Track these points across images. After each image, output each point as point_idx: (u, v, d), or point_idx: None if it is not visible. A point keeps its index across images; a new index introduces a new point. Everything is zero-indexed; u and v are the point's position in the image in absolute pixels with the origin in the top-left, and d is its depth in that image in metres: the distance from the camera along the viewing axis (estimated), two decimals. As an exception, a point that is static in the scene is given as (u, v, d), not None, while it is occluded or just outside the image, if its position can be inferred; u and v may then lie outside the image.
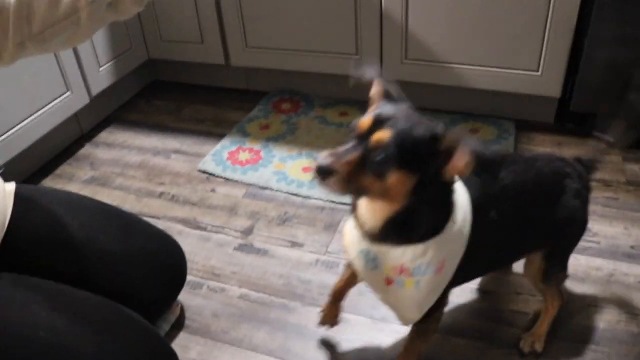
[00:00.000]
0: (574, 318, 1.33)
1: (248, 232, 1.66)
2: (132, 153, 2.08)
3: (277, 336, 1.34)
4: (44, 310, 0.99)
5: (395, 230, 0.95)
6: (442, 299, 1.06)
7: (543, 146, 1.94)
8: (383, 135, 0.84)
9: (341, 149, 0.86)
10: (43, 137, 1.92)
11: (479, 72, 1.93)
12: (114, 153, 2.09)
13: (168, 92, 2.48)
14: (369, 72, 0.98)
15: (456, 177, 0.92)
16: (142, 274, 1.23)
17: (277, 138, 2.06)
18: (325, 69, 2.14)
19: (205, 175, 1.92)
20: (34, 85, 1.84)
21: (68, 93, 1.99)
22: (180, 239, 1.36)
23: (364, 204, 0.97)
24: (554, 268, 1.21)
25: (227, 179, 1.89)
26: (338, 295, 1.27)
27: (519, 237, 1.12)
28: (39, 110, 1.88)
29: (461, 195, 1.00)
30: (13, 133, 1.79)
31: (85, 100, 2.08)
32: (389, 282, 1.02)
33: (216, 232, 1.67)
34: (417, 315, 1.06)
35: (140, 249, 1.25)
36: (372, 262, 1.03)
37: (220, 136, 2.11)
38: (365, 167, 0.85)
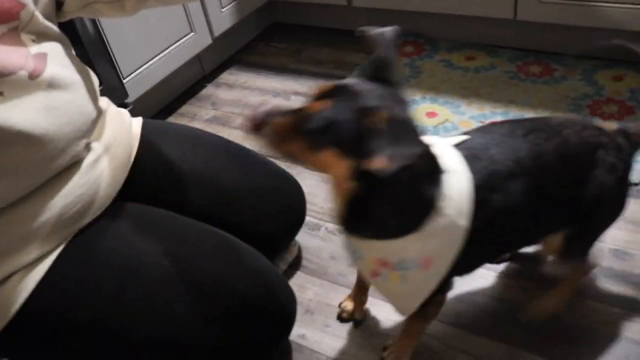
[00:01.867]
0: None
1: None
2: (253, 94, 2.08)
3: (395, 283, 1.29)
4: (166, 240, 0.99)
5: (358, 223, 0.86)
6: (443, 286, 0.95)
7: (699, 96, 1.72)
8: (321, 105, 0.75)
9: (286, 106, 0.78)
10: (168, 76, 1.96)
11: (628, 10, 1.73)
12: (234, 93, 2.10)
13: (288, 34, 2.45)
14: (379, 32, 0.86)
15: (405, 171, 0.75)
16: (263, 211, 1.21)
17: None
18: (451, 10, 2.00)
19: (325, 118, 1.88)
20: (159, 26, 1.86)
21: (192, 34, 2.00)
22: (300, 179, 1.33)
23: (330, 186, 0.87)
24: (574, 252, 1.07)
25: (347, 122, 1.83)
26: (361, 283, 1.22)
27: (536, 219, 0.97)
28: (164, 50, 1.91)
29: (457, 180, 0.86)
30: (140, 72, 1.83)
31: (207, 41, 2.09)
32: (374, 274, 0.94)
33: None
34: (413, 306, 0.97)
35: (261, 186, 1.23)
36: (356, 253, 0.95)
37: (340, 78, 2.02)
38: (300, 134, 0.76)
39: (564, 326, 1.16)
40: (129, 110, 1.71)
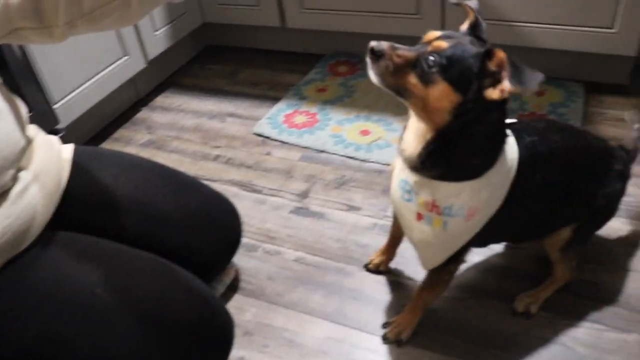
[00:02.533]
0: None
1: (304, 195, 1.63)
2: (188, 117, 2.08)
3: (332, 300, 1.31)
4: (99, 268, 0.98)
5: (433, 160, 0.94)
6: (461, 253, 1.06)
7: (614, 109, 1.82)
8: (441, 44, 0.86)
9: (402, 46, 0.89)
10: (101, 101, 1.93)
11: (547, 31, 1.82)
12: (170, 117, 2.09)
13: (223, 56, 2.46)
14: (471, 2, 0.95)
15: (502, 110, 0.91)
16: (197, 235, 1.21)
17: (334, 101, 2.01)
18: (384, 30, 2.07)
19: (260, 139, 1.90)
20: (92, 50, 1.84)
21: (125, 57, 1.98)
22: (236, 202, 1.34)
23: (409, 129, 0.97)
24: (577, 241, 1.17)
25: (282, 142, 1.86)
26: (392, 239, 1.31)
27: (560, 204, 1.09)
28: (97, 74, 1.88)
29: (510, 150, 0.98)
30: (72, 97, 1.80)
31: (141, 64, 2.08)
32: (419, 217, 1.02)
33: (272, 195, 1.65)
34: (438, 259, 1.06)
35: (196, 210, 1.23)
36: (408, 194, 1.02)
37: (276, 99, 2.08)
38: (416, 69, 0.87)
39: (493, 332, 1.20)
40: (61, 137, 1.69)
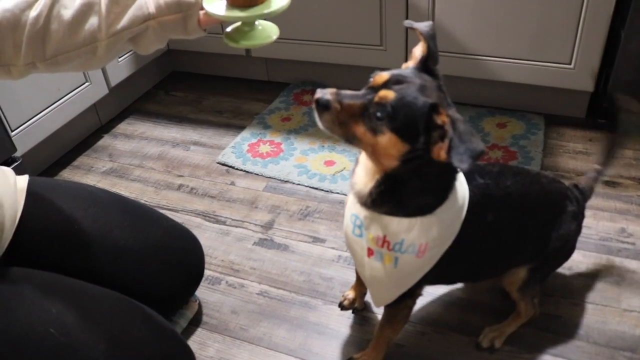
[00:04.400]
0: (608, 323, 1.26)
1: (268, 226, 1.61)
2: (151, 144, 2.05)
3: (297, 335, 1.29)
4: (55, 306, 0.95)
5: (383, 198, 0.94)
6: (417, 288, 1.06)
7: (574, 142, 1.86)
8: (388, 94, 0.85)
9: (348, 92, 0.88)
10: (61, 128, 1.89)
11: (508, 65, 1.86)
12: (132, 144, 2.06)
13: (187, 83, 2.44)
14: (423, 26, 0.94)
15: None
16: (158, 268, 1.19)
17: (299, 130, 2.01)
18: (348, 61, 2.08)
19: (224, 168, 1.88)
20: (52, 76, 1.80)
21: (87, 84, 1.96)
22: (198, 233, 1.32)
23: (360, 164, 0.98)
24: (534, 281, 1.18)
25: (247, 172, 1.84)
26: (358, 274, 1.29)
27: (512, 246, 1.11)
28: (57, 101, 1.85)
29: (461, 189, 0.99)
30: (31, 124, 1.76)
31: (104, 91, 2.05)
32: (370, 252, 1.01)
33: (236, 226, 1.63)
34: (389, 296, 1.06)
35: (156, 243, 1.20)
36: (358, 229, 1.01)
37: (240, 128, 2.07)
38: (363, 118, 0.86)
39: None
40: (18, 165, 1.65)
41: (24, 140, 1.73)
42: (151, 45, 0.94)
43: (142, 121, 2.20)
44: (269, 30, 0.95)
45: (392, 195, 0.93)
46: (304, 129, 2.01)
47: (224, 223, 1.64)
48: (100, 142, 2.09)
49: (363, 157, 0.96)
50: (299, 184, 1.76)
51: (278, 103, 2.20)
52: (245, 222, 1.63)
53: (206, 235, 1.58)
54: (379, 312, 1.32)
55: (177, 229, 1.28)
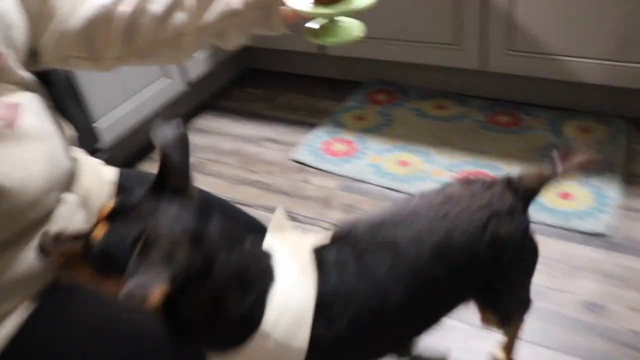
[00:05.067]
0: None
1: (342, 225, 1.61)
2: (226, 140, 2.09)
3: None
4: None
5: (180, 335, 0.78)
6: None
7: (660, 148, 1.78)
8: (99, 232, 0.71)
9: (77, 230, 0.75)
10: (140, 122, 1.95)
11: (592, 65, 1.79)
12: (208, 139, 2.10)
13: (262, 80, 2.48)
14: (164, 135, 0.76)
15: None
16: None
17: (373, 130, 2.01)
18: (423, 60, 2.06)
19: (298, 165, 1.89)
20: (134, 72, 1.87)
21: (166, 80, 2.01)
22: (274, 229, 1.33)
23: None
24: (509, 307, 1.02)
25: (320, 170, 1.85)
26: None
27: (431, 310, 0.90)
28: (137, 95, 1.91)
29: (296, 293, 0.77)
30: (113, 118, 1.83)
31: (182, 86, 2.10)
32: None
33: (309, 223, 1.64)
34: None
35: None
36: None
37: (313, 126, 2.08)
38: (88, 259, 0.72)
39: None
40: (100, 156, 1.71)
41: (106, 133, 1.80)
42: (235, 41, 0.95)
43: (218, 117, 2.25)
44: (353, 27, 0.93)
45: (185, 332, 0.77)
46: (378, 128, 2.01)
47: (298, 220, 1.65)
48: (178, 137, 2.14)
49: None
50: (373, 184, 1.76)
51: (352, 101, 2.19)
52: (320, 221, 1.64)
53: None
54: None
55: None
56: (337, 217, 1.64)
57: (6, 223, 0.86)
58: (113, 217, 0.72)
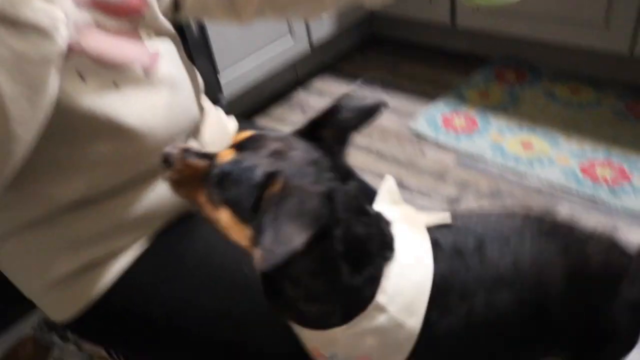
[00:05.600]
0: None
1: (455, 201, 1.55)
2: (343, 104, 2.06)
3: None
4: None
5: (278, 304, 0.74)
6: None
7: None
8: (226, 155, 0.67)
9: (201, 150, 0.71)
10: (262, 78, 1.96)
11: None
12: (325, 101, 2.06)
13: (386, 47, 2.42)
14: (356, 95, 0.74)
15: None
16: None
17: (497, 108, 1.91)
18: (561, 39, 1.92)
19: (415, 136, 1.84)
20: (260, 28, 1.87)
21: (290, 39, 2.00)
22: (385, 197, 1.29)
23: None
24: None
25: (438, 143, 1.78)
26: None
27: (522, 343, 0.80)
28: (262, 54, 1.92)
29: (415, 271, 0.71)
30: (236, 72, 1.84)
31: (306, 48, 2.09)
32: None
33: (421, 196, 1.59)
34: None
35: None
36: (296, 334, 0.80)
37: (434, 98, 2.00)
38: (205, 184, 0.68)
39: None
40: (222, 107, 1.74)
41: (227, 85, 1.82)
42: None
43: (336, 80, 2.22)
44: None
45: (282, 300, 0.73)
46: (503, 107, 1.90)
47: (410, 191, 1.61)
48: (295, 96, 2.14)
49: None
50: (492, 164, 1.67)
51: (477, 77, 2.09)
52: (432, 194, 1.59)
53: (390, 201, 1.56)
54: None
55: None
56: (450, 192, 1.58)
57: (133, 163, 0.88)
58: (245, 147, 0.68)
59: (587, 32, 1.84)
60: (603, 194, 1.50)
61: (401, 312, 0.70)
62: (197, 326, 0.91)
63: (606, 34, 1.80)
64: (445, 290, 0.71)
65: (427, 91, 2.06)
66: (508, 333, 0.77)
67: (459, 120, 1.86)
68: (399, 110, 1.98)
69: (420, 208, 1.51)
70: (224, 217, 0.66)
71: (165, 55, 0.91)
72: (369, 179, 1.62)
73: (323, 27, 2.12)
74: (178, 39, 1.00)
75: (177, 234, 0.97)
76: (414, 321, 0.70)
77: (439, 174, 1.65)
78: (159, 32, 0.92)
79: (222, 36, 1.75)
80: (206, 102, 1.09)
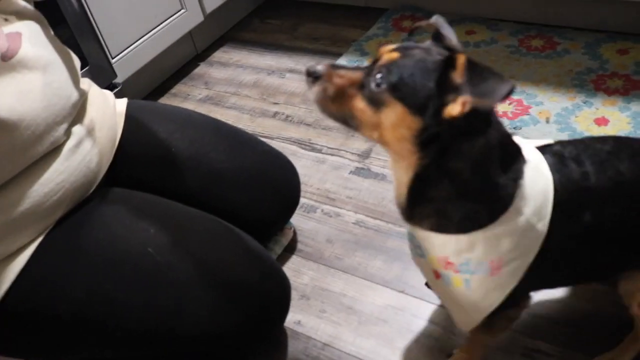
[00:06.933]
0: None
1: (365, 155, 1.56)
2: (246, 72, 2.02)
3: (393, 266, 1.25)
4: (153, 226, 0.95)
5: (420, 209, 0.78)
6: (512, 300, 0.82)
7: None
8: (392, 55, 0.70)
9: (345, 65, 0.72)
10: (159, 55, 1.89)
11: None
12: (228, 72, 2.04)
13: (283, 10, 2.38)
14: (432, 18, 0.78)
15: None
16: (254, 192, 1.17)
17: (398, 57, 1.91)
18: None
19: (320, 96, 1.82)
20: (149, 3, 1.79)
21: (183, 11, 1.93)
22: (294, 160, 1.28)
23: (390, 167, 0.81)
24: None
25: (343, 100, 1.78)
26: None
27: (626, 247, 0.85)
28: (154, 28, 1.84)
29: (538, 177, 0.77)
30: (130, 51, 1.76)
31: (199, 18, 2.02)
32: (437, 275, 0.85)
33: (332, 154, 1.58)
34: (472, 321, 0.86)
35: (253, 167, 1.18)
36: (418, 249, 0.86)
37: (337, 55, 1.99)
38: (363, 90, 0.71)
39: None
40: (118, 91, 1.67)
41: (124, 67, 1.74)
42: None
43: (237, 49, 2.17)
44: None
45: (430, 205, 0.76)
46: (403, 56, 1.91)
47: (319, 151, 1.60)
48: (197, 70, 2.08)
49: (391, 164, 0.80)
50: (397, 113, 1.68)
51: (376, 29, 2.09)
52: (342, 151, 1.59)
53: (301, 163, 1.55)
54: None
55: (273, 154, 1.25)
56: (360, 147, 1.58)
57: (13, 157, 0.83)
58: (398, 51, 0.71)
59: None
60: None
61: (533, 215, 0.76)
62: (106, 317, 0.89)
63: None
64: (564, 197, 0.77)
65: (329, 49, 2.05)
66: (617, 241, 0.83)
67: (361, 75, 1.86)
68: (303, 73, 1.95)
69: (332, 165, 1.52)
70: (390, 115, 0.69)
71: (28, 37, 0.85)
72: (279, 144, 1.62)
73: (215, -5, 2.07)
74: (43, 19, 0.94)
75: (74, 223, 0.93)
76: (543, 223, 0.76)
77: (347, 131, 1.65)
78: (18, 14, 0.86)
79: (111, 20, 1.67)
80: (87, 84, 1.04)
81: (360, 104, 0.72)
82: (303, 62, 2.01)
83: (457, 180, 0.72)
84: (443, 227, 0.77)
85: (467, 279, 0.80)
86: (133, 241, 0.93)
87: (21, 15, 0.87)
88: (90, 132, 0.97)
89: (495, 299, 0.81)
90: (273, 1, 2.45)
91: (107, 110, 1.07)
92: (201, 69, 2.09)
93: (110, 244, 0.92)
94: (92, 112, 1.01)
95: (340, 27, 2.17)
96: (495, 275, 0.78)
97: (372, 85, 0.70)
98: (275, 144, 1.63)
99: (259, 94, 1.89)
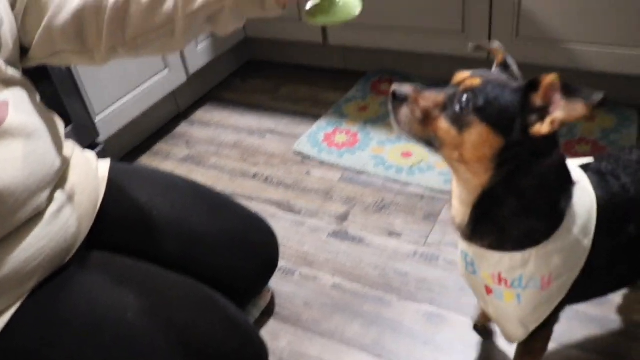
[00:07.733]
0: None
1: (343, 218, 1.58)
2: (227, 132, 2.06)
3: (370, 330, 1.26)
4: (132, 292, 0.95)
5: (483, 227, 0.83)
6: (552, 316, 0.90)
7: (671, 137, 1.73)
8: (474, 81, 0.76)
9: (428, 88, 0.79)
10: (142, 114, 1.93)
11: (601, 53, 1.74)
12: (209, 132, 2.07)
13: (264, 71, 2.44)
14: (493, 43, 0.86)
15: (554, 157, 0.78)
16: (233, 256, 1.18)
17: (376, 120, 1.97)
18: (428, 48, 2.01)
19: (300, 157, 1.86)
20: (133, 63, 1.83)
21: (166, 71, 1.98)
22: (273, 222, 1.30)
23: (454, 194, 0.86)
24: None
25: (322, 162, 1.82)
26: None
27: None
28: (137, 88, 1.88)
29: (584, 196, 0.83)
30: (112, 111, 1.79)
31: (182, 78, 2.07)
32: (488, 291, 0.91)
33: (310, 216, 1.61)
34: (521, 334, 0.92)
35: (232, 231, 1.20)
36: (471, 266, 0.91)
37: (316, 117, 2.04)
38: (446, 112, 0.77)
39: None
40: (100, 150, 1.69)
41: (107, 125, 1.77)
42: (229, 25, 0.92)
43: (219, 109, 2.21)
44: (350, 6, 0.89)
45: (492, 222, 0.82)
46: (382, 119, 1.97)
47: (298, 213, 1.62)
48: (178, 129, 2.11)
49: (455, 185, 0.86)
50: (375, 176, 1.72)
51: (355, 92, 2.16)
52: (320, 213, 1.61)
53: (280, 225, 1.57)
54: (454, 309, 1.27)
55: (252, 218, 1.27)
56: (337, 209, 1.61)
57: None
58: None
59: (448, 40, 1.94)
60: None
61: (580, 232, 0.82)
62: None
63: (465, 41, 1.91)
64: (609, 212, 0.84)
65: (309, 111, 2.10)
66: None
67: (340, 137, 1.90)
68: (283, 134, 2.00)
69: (310, 227, 1.54)
70: (474, 135, 0.74)
71: (15, 105, 0.87)
72: (258, 206, 1.64)
73: (198, 55, 2.11)
74: (30, 85, 0.96)
75: (52, 289, 0.93)
76: (587, 240, 0.82)
77: (325, 192, 1.68)
78: (5, 82, 0.88)
79: (96, 79, 1.70)
80: (70, 147, 1.05)
81: (444, 125, 0.77)
82: (283, 123, 2.05)
83: (524, 198, 0.79)
84: (500, 244, 0.83)
85: (519, 293, 0.86)
86: (112, 307, 0.93)
87: (8, 82, 0.89)
88: (70, 198, 0.98)
89: (543, 313, 0.88)
90: (255, 63, 2.52)
91: (90, 174, 1.09)
92: (183, 127, 2.12)
93: (90, 311, 0.92)
94: (74, 176, 1.02)
95: (320, 89, 2.23)
96: (546, 290, 0.84)
97: (457, 108, 0.75)
98: (254, 206, 1.65)
99: (240, 154, 1.92)
